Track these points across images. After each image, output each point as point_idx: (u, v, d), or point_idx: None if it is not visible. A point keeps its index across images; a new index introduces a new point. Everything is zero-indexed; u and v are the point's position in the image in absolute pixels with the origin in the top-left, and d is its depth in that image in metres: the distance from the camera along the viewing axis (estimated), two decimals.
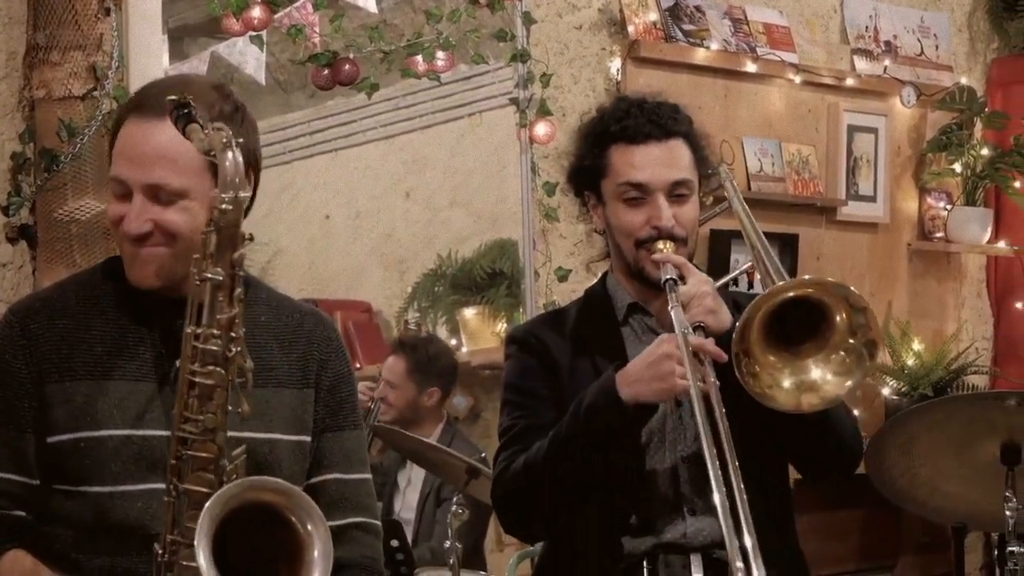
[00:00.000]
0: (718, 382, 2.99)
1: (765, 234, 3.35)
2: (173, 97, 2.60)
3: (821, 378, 3.04)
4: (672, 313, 3.07)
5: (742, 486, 2.83)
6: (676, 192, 3.28)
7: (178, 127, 2.59)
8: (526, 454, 3.20)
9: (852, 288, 3.03)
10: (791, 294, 3.01)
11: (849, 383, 3.04)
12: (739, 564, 2.72)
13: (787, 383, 3.03)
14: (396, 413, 5.64)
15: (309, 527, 2.51)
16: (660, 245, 3.24)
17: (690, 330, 3.03)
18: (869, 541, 6.33)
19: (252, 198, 2.75)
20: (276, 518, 2.52)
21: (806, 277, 3.15)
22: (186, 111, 2.58)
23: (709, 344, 3.03)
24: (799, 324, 3.04)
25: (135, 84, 4.37)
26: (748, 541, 2.76)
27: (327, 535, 2.51)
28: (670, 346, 3.03)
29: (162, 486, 2.66)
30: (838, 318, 3.01)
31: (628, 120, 3.31)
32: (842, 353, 3.02)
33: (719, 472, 2.84)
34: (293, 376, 2.92)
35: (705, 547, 3.20)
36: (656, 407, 3.12)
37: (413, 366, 5.68)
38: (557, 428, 3.15)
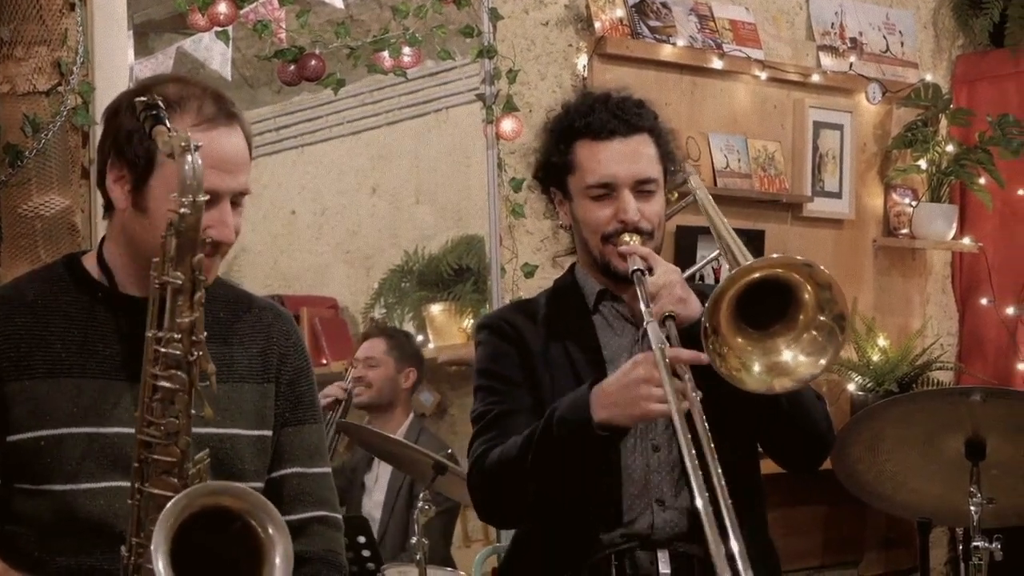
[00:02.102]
0: (699, 393, 2.94)
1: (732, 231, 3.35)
2: (142, 98, 2.59)
3: (793, 360, 3.02)
4: (648, 330, 3.02)
5: (729, 501, 2.78)
6: (642, 188, 3.28)
7: (145, 128, 2.58)
8: (501, 448, 3.20)
9: (819, 265, 3.00)
10: (759, 274, 2.99)
11: (823, 361, 3.02)
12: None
13: (757, 366, 3.02)
14: (375, 393, 5.66)
15: (270, 530, 2.51)
16: (626, 237, 3.25)
17: (667, 344, 2.99)
18: (834, 537, 6.35)
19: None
20: (236, 522, 2.51)
21: (774, 255, 3.12)
22: (155, 112, 2.57)
23: (685, 353, 2.98)
24: (767, 310, 3.02)
25: (100, 80, 4.36)
26: (735, 547, 2.72)
27: (288, 539, 2.51)
28: (646, 369, 2.97)
29: (125, 484, 2.66)
30: (806, 295, 3.00)
31: (593, 116, 3.32)
32: (813, 332, 3.01)
33: (703, 485, 2.77)
34: (253, 371, 2.92)
35: (672, 539, 3.21)
36: (628, 428, 3.10)
37: (393, 345, 5.71)
38: (531, 431, 3.15)
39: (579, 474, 3.14)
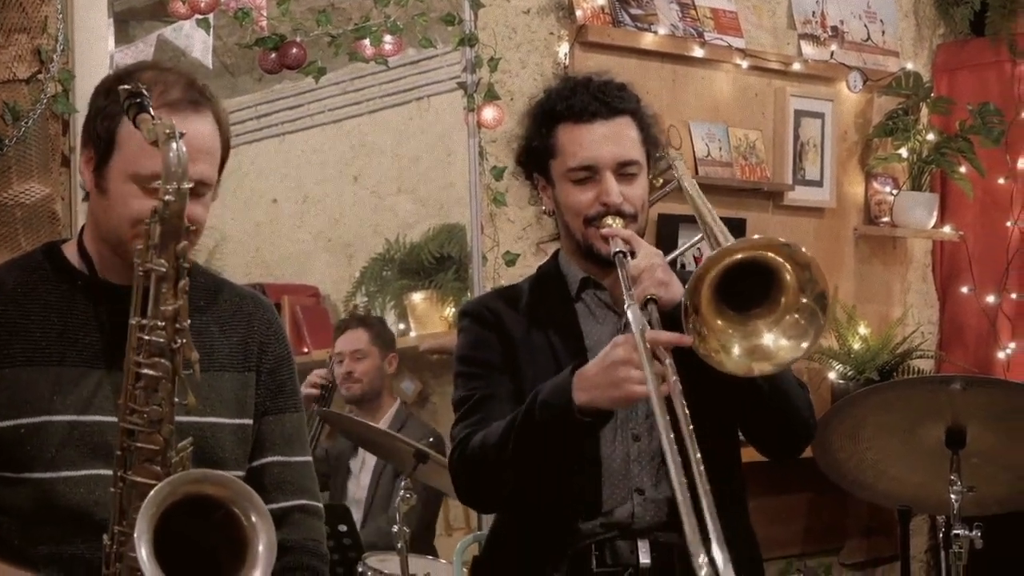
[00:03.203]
0: (678, 379, 2.91)
1: None
2: (127, 86, 2.59)
3: (774, 343, 2.99)
4: (628, 313, 2.99)
5: (708, 487, 2.74)
6: (624, 171, 3.27)
7: (129, 116, 2.58)
8: (483, 433, 3.19)
9: (798, 245, 2.98)
10: (741, 255, 2.96)
11: (804, 344, 2.99)
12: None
13: (737, 349, 2.99)
14: (367, 386, 5.67)
15: (253, 519, 2.52)
16: (609, 220, 3.23)
17: (647, 326, 2.96)
18: (815, 525, 6.36)
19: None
20: (219, 510, 2.51)
21: (755, 236, 3.09)
22: (138, 100, 2.57)
23: (665, 335, 2.95)
24: (749, 294, 3.00)
25: (80, 68, 4.35)
26: (713, 533, 2.71)
27: (271, 527, 2.51)
28: (625, 350, 2.94)
29: (106, 471, 2.66)
30: (787, 276, 2.97)
31: (574, 99, 3.30)
32: (795, 315, 2.98)
33: (681, 470, 2.74)
34: (234, 360, 2.92)
35: (652, 529, 3.21)
36: (612, 412, 3.08)
37: (375, 334, 5.72)
38: (513, 416, 3.14)
39: (560, 460, 3.14)
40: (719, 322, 2.99)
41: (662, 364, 2.92)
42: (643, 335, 2.92)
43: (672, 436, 2.77)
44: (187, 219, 2.62)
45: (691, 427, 2.84)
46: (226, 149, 2.89)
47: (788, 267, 2.97)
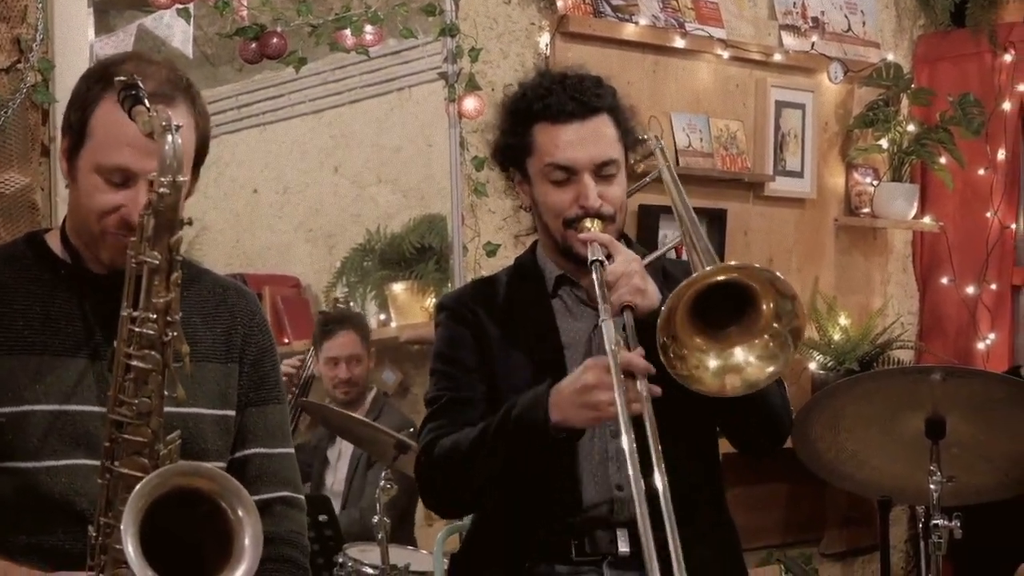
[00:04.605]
0: (652, 392, 2.95)
1: (694, 209, 3.33)
2: (122, 78, 2.58)
3: (744, 361, 2.99)
4: (603, 327, 3.02)
5: (670, 503, 2.81)
6: (602, 172, 3.26)
7: (124, 108, 2.57)
8: (453, 439, 3.19)
9: (779, 274, 2.97)
10: (718, 278, 2.96)
11: (771, 368, 3.00)
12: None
13: (712, 365, 2.99)
14: (361, 387, 5.68)
15: (240, 512, 2.51)
16: (588, 224, 3.22)
17: (620, 345, 2.98)
18: (794, 515, 6.38)
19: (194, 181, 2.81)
20: (206, 503, 2.51)
21: (732, 263, 3.08)
22: (134, 92, 2.56)
23: (636, 360, 2.97)
24: (725, 307, 3.00)
25: (60, 57, 4.33)
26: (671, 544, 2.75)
27: (258, 522, 2.51)
28: (595, 374, 2.99)
29: (88, 462, 2.66)
30: (764, 305, 2.97)
31: (551, 98, 3.28)
32: (766, 337, 2.98)
33: (645, 508, 2.82)
34: (217, 350, 2.92)
35: (632, 521, 3.21)
36: (583, 431, 3.11)
37: (363, 334, 5.73)
38: (485, 426, 3.15)
39: (534, 471, 3.15)
40: (696, 339, 2.99)
41: (634, 383, 2.95)
42: (615, 356, 2.94)
43: (635, 450, 2.85)
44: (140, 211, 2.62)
45: (659, 448, 2.88)
46: (203, 144, 2.87)
47: (768, 293, 2.97)
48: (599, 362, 3.00)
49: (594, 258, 3.15)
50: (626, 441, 2.87)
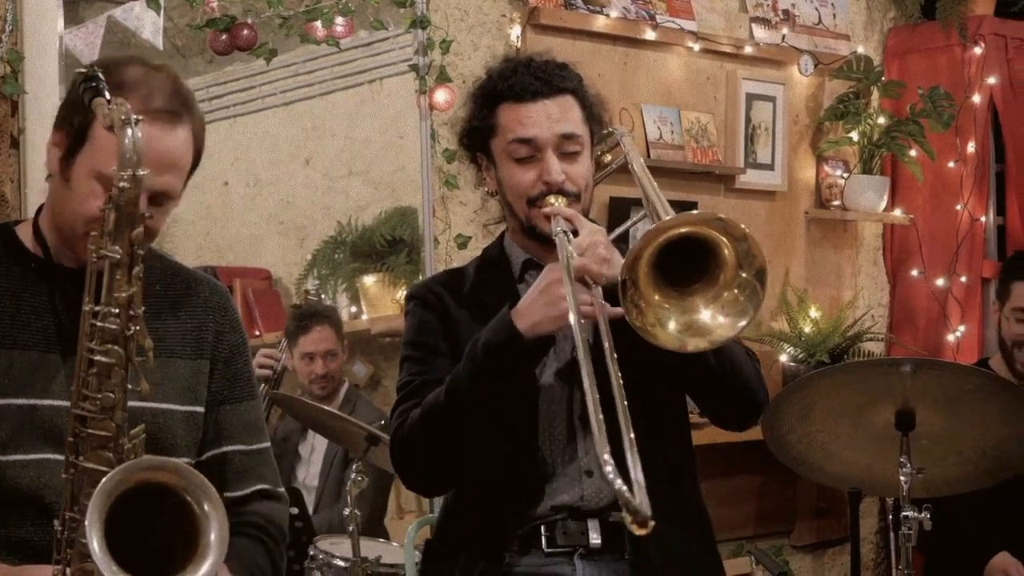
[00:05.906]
0: (607, 304, 2.98)
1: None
2: (82, 69, 2.58)
3: (712, 319, 2.97)
4: (556, 240, 3.07)
5: (632, 435, 2.74)
6: (566, 148, 3.27)
7: (84, 100, 2.56)
8: (424, 404, 3.18)
9: (723, 216, 2.94)
10: (679, 230, 2.92)
11: (741, 323, 2.97)
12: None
13: (673, 324, 2.96)
14: (337, 382, 5.66)
15: (206, 507, 2.50)
16: (551, 199, 3.23)
17: (574, 255, 3.02)
18: (765, 507, 6.39)
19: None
20: (172, 498, 2.50)
21: (692, 212, 3.07)
22: (94, 84, 2.55)
23: (590, 265, 3.02)
24: (689, 271, 2.98)
25: (29, 49, 4.32)
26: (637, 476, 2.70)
27: (224, 516, 2.50)
28: (556, 273, 3.02)
29: (57, 456, 2.66)
30: (726, 252, 2.94)
31: (515, 78, 3.30)
32: (735, 291, 2.95)
33: (596, 396, 2.78)
34: (187, 346, 2.91)
35: (602, 509, 3.22)
36: (553, 338, 3.11)
37: (337, 328, 5.71)
38: (455, 371, 3.14)
39: (508, 420, 3.14)
40: (656, 297, 2.96)
41: (589, 290, 3.01)
42: (569, 261, 3.00)
43: (592, 371, 2.81)
44: (146, 230, 2.61)
45: (615, 356, 2.88)
46: (197, 159, 2.88)
47: (726, 242, 2.94)
48: (557, 265, 3.04)
49: (559, 229, 3.16)
50: (581, 351, 2.85)
